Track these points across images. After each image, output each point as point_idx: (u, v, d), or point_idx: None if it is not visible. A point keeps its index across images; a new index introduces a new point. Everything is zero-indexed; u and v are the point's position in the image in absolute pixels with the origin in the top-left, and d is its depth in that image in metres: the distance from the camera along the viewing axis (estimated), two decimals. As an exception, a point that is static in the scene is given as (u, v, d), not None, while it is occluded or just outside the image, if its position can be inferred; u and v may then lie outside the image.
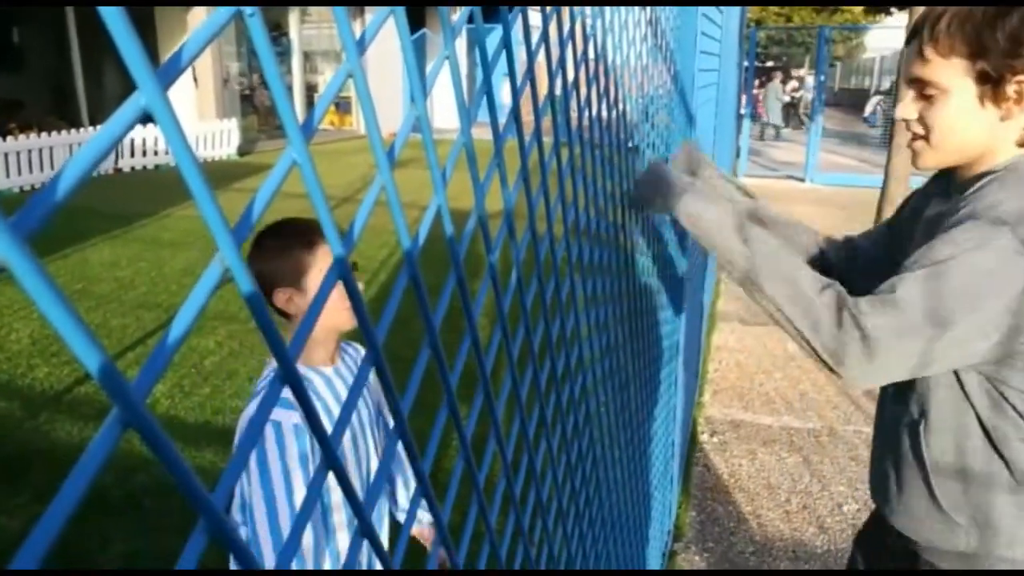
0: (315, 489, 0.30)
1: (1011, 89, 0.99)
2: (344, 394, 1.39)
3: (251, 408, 1.26)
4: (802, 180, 12.73)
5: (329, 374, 1.38)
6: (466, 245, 0.41)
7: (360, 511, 0.33)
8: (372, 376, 1.57)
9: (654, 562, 2.35)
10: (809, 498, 3.30)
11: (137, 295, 5.85)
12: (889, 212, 6.66)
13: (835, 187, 12.29)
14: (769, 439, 3.85)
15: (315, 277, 1.33)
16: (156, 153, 12.47)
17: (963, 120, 1.03)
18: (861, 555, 1.46)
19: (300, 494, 1.24)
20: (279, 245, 1.32)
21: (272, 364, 1.35)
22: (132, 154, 11.92)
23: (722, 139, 4.77)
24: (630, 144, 1.38)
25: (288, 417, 1.22)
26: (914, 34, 1.06)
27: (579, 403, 0.87)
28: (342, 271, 0.29)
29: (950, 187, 1.14)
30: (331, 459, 0.30)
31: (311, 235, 1.34)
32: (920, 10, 1.18)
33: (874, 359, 0.90)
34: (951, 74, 1.01)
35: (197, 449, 3.55)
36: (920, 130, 1.09)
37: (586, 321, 0.89)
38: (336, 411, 1.35)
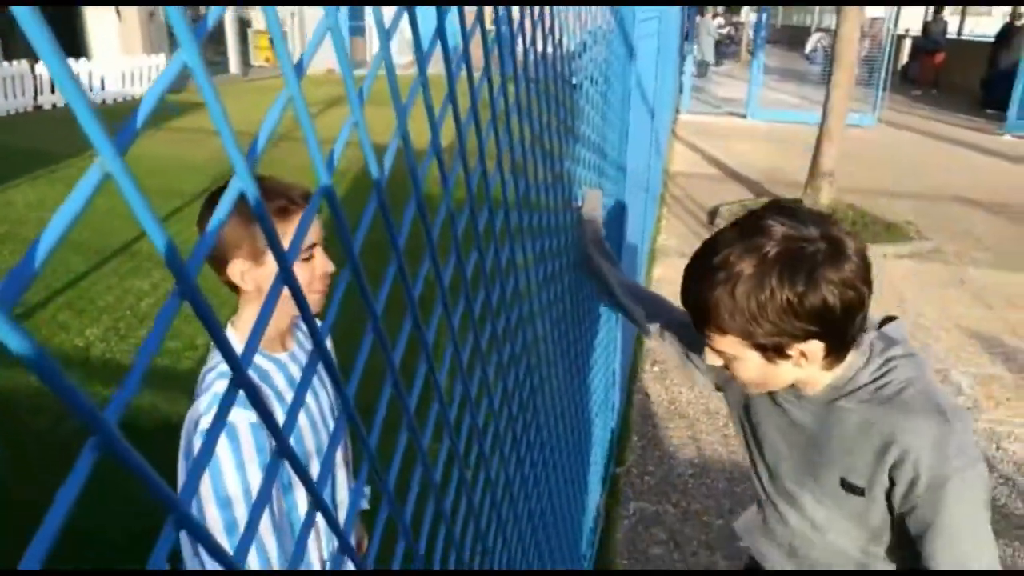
0: (269, 481, 0.31)
1: (793, 351, 1.06)
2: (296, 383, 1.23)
3: (200, 408, 1.10)
4: (743, 117, 12.84)
5: (284, 360, 1.25)
6: (388, 171, 0.41)
7: (320, 501, 0.34)
8: (330, 348, 1.47)
9: (596, 486, 2.44)
10: (744, 424, 3.44)
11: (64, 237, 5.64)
12: (827, 147, 6.78)
13: (775, 123, 12.44)
14: (707, 369, 3.97)
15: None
16: (80, 88, 11.83)
17: (762, 373, 1.12)
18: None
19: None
20: (243, 209, 1.12)
21: (219, 355, 1.20)
22: (52, 90, 11.30)
23: (664, 76, 4.76)
24: (573, 81, 1.37)
25: (245, 418, 1.08)
26: (696, 316, 1.12)
27: (515, 332, 0.89)
28: (258, 211, 0.29)
29: (797, 395, 1.21)
30: (296, 465, 0.30)
31: (285, 201, 1.15)
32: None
33: None
34: (737, 347, 1.09)
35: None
36: (731, 373, 1.16)
37: (522, 252, 0.89)
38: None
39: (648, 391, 3.80)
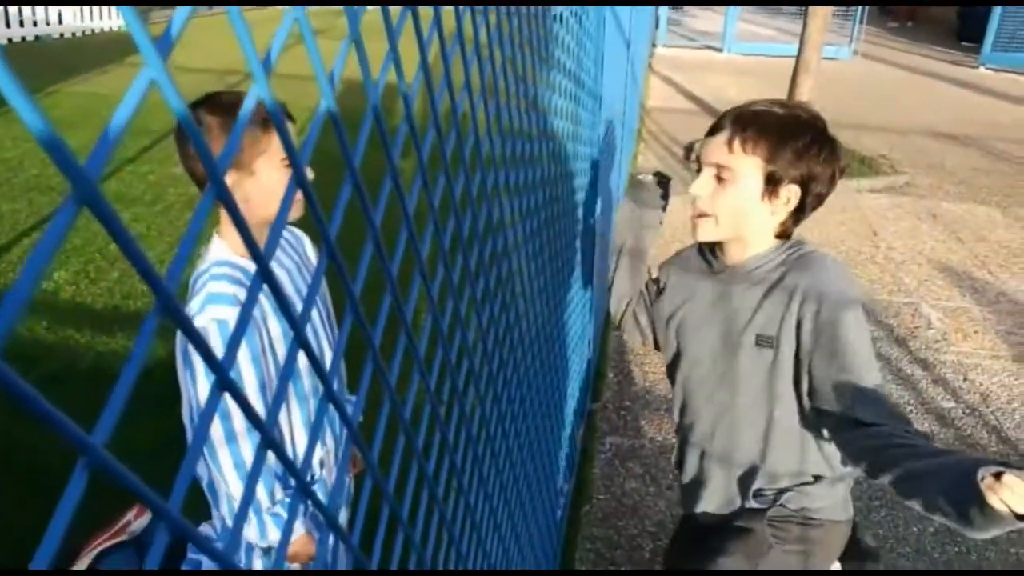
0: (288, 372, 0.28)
1: (784, 193, 1.29)
2: (285, 286, 1.34)
3: (193, 309, 1.19)
4: (720, 50, 12.67)
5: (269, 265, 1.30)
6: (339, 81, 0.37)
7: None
8: (312, 257, 1.52)
9: (573, 421, 2.45)
10: (719, 358, 3.47)
11: (27, 178, 5.47)
12: (804, 80, 6.73)
13: (752, 57, 12.29)
14: (683, 305, 3.98)
15: (267, 161, 1.23)
16: (36, 23, 11.36)
17: (745, 206, 1.31)
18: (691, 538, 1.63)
19: (251, 394, 1.20)
20: (229, 123, 1.19)
21: (209, 260, 1.26)
22: (7, 24, 10.82)
23: (640, 8, 4.63)
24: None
25: (235, 313, 1.16)
26: (721, 127, 1.34)
27: (490, 265, 0.86)
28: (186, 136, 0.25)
29: (722, 266, 1.42)
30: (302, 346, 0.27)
31: (266, 112, 1.23)
32: None
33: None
34: (748, 166, 1.29)
35: (108, 334, 3.44)
36: (708, 209, 1.34)
37: (495, 181, 0.86)
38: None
39: (624, 327, 3.81)
